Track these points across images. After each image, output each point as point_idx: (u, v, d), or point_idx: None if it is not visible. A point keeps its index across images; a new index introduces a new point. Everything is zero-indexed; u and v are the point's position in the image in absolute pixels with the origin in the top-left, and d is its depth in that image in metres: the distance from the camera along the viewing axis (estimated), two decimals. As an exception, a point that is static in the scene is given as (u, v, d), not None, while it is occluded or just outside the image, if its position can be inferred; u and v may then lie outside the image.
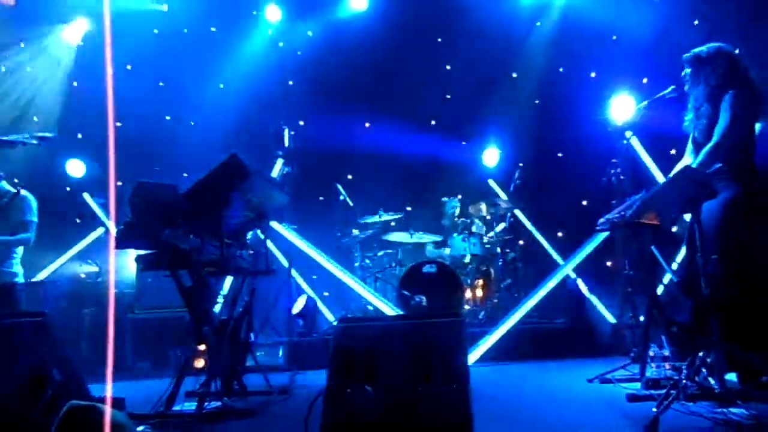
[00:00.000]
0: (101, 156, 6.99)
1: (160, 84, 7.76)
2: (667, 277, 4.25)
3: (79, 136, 7.37)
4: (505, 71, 7.58)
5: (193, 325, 3.67)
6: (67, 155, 7.13)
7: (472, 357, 5.11)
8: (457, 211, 6.94)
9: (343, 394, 2.60)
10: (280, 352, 5.66)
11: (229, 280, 4.84)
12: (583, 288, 6.14)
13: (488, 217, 6.90)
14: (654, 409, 2.60)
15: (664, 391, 2.81)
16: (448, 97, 7.95)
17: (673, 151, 4.91)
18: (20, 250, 4.49)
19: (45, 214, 4.65)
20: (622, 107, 5.41)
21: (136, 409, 3.32)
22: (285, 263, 6.17)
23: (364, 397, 2.55)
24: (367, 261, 6.82)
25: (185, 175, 6.45)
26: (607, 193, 4.62)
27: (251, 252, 4.18)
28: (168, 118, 7.86)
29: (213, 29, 7.83)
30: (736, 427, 2.55)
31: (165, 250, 3.46)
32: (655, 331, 3.81)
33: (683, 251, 3.58)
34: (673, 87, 3.68)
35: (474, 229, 6.69)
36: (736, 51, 3.48)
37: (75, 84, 7.47)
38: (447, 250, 6.70)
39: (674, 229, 3.70)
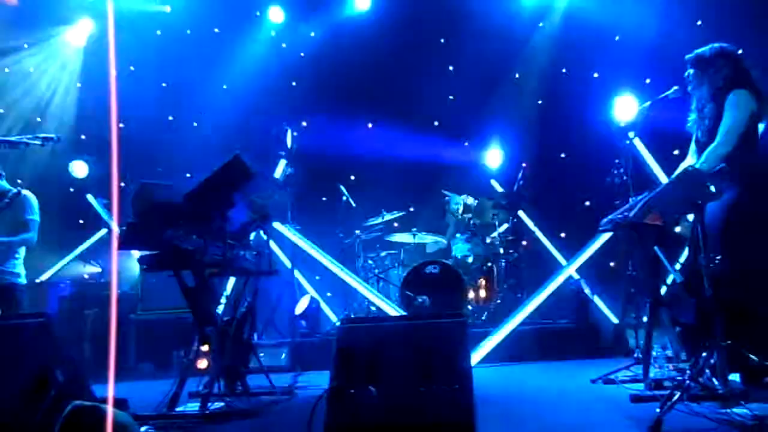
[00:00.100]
0: (104, 157, 7.04)
1: (163, 85, 7.78)
2: (670, 278, 4.24)
3: (83, 137, 7.39)
4: (508, 72, 7.58)
5: (196, 325, 3.67)
6: (71, 156, 7.15)
7: (475, 357, 5.10)
8: (461, 208, 6.93)
9: (346, 395, 2.60)
10: (283, 353, 5.67)
11: (232, 281, 4.85)
12: (586, 289, 6.13)
13: (491, 218, 6.90)
14: (657, 410, 2.60)
15: (667, 392, 2.80)
16: (451, 97, 7.94)
17: (676, 152, 4.90)
18: (22, 250, 4.49)
19: (48, 214, 4.66)
20: (625, 108, 5.41)
21: (140, 410, 3.32)
22: (288, 264, 6.18)
23: (367, 397, 2.55)
24: (370, 261, 6.82)
25: (188, 175, 6.46)
26: (610, 194, 4.61)
27: (254, 252, 4.18)
28: (171, 118, 7.87)
29: (216, 30, 7.84)
30: (739, 428, 2.54)
31: (168, 251, 3.46)
32: (659, 331, 3.81)
33: (687, 252, 3.57)
34: (676, 88, 3.67)
35: (473, 214, 6.67)
36: (739, 51, 3.47)
37: (78, 85, 7.49)
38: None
39: (678, 229, 3.68)
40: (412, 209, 7.23)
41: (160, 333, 5.85)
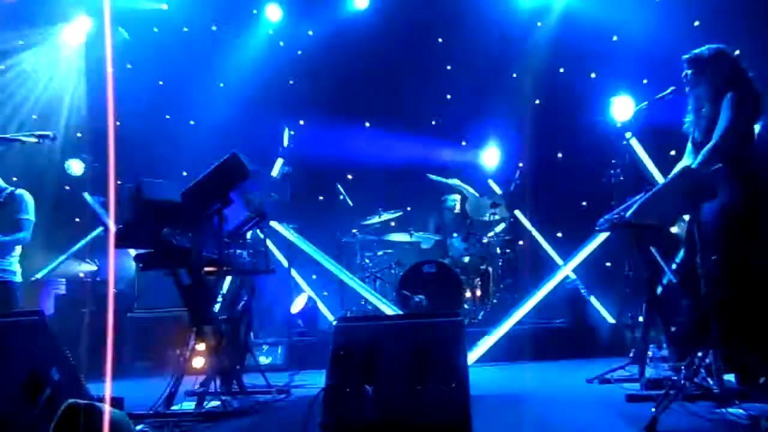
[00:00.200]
0: (100, 155, 7.02)
1: (160, 83, 7.76)
2: (666, 278, 4.25)
3: (79, 134, 7.36)
4: (505, 71, 7.58)
5: (193, 324, 3.67)
6: (67, 154, 7.12)
7: (472, 357, 5.11)
8: (458, 206, 6.94)
9: (342, 394, 2.60)
10: (280, 352, 5.66)
11: (228, 280, 4.84)
12: (583, 288, 6.14)
13: (488, 217, 6.90)
14: (653, 410, 2.60)
15: (663, 392, 2.81)
16: (449, 97, 7.94)
17: (672, 152, 4.90)
18: (18, 248, 4.47)
19: (43, 212, 4.64)
20: (622, 108, 5.42)
21: (135, 409, 3.32)
22: (285, 263, 6.17)
23: (363, 396, 2.55)
24: (367, 261, 6.81)
25: (185, 173, 6.46)
26: (606, 194, 4.62)
27: (251, 251, 4.18)
28: (168, 117, 7.85)
29: (213, 28, 7.82)
30: (734, 428, 2.55)
31: (164, 249, 3.46)
32: (655, 331, 3.82)
33: (682, 252, 3.57)
34: (673, 88, 3.68)
35: (469, 205, 6.68)
36: (737, 52, 3.48)
37: (76, 82, 7.46)
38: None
39: (674, 229, 3.69)
40: (409, 208, 7.22)
41: (156, 331, 5.83)
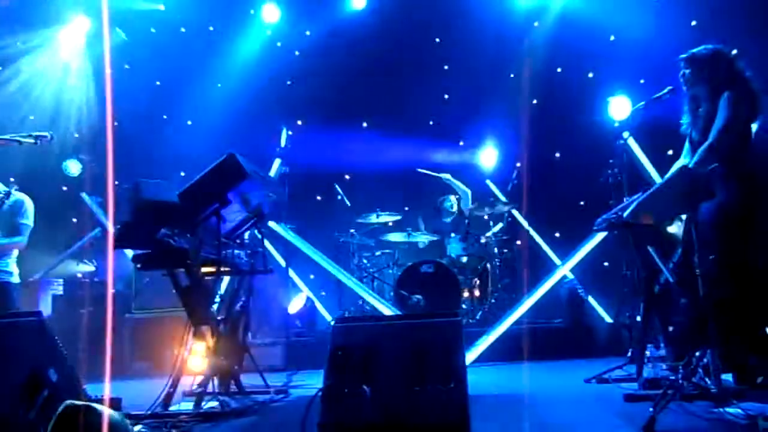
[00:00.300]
0: (98, 155, 7.01)
1: (157, 83, 7.75)
2: (663, 278, 4.26)
3: (76, 135, 7.35)
4: (503, 71, 7.58)
5: (191, 324, 3.66)
6: (64, 154, 7.11)
7: (470, 357, 5.11)
8: (455, 207, 6.95)
9: (340, 394, 2.60)
10: (278, 352, 5.66)
11: (226, 280, 4.84)
12: (580, 288, 6.15)
13: (486, 217, 6.91)
14: (651, 409, 2.61)
15: (660, 391, 2.81)
16: (446, 96, 7.95)
17: (670, 152, 4.92)
18: (15, 251, 4.48)
19: (41, 213, 4.64)
20: (620, 108, 5.43)
21: (133, 409, 3.32)
22: (282, 263, 6.17)
23: (361, 396, 2.55)
24: (365, 261, 6.82)
25: (182, 174, 6.45)
26: (604, 194, 4.62)
27: (249, 251, 4.17)
28: (165, 117, 7.84)
29: (210, 28, 7.81)
30: (732, 427, 2.56)
31: (162, 250, 3.45)
32: (652, 331, 3.82)
33: (680, 251, 3.58)
34: (670, 88, 3.68)
35: (463, 204, 6.69)
36: (734, 52, 3.49)
37: (73, 83, 7.44)
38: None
39: (671, 229, 3.70)
40: (406, 208, 7.22)
41: (154, 332, 5.83)
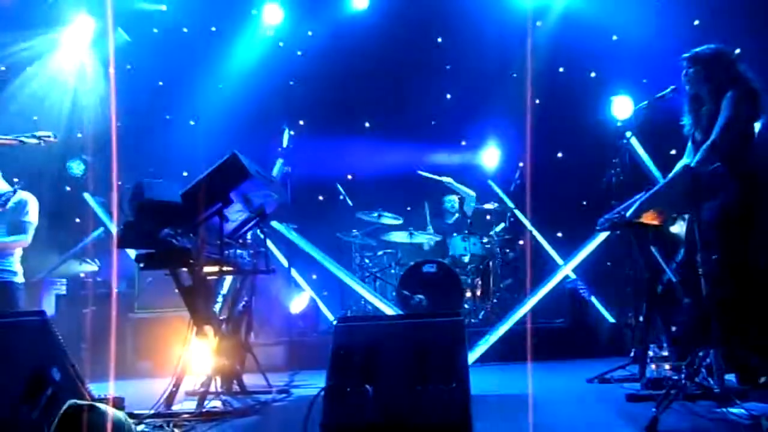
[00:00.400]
0: (100, 155, 7.01)
1: (160, 83, 7.76)
2: (666, 277, 4.26)
3: (79, 135, 7.36)
4: (505, 71, 7.58)
5: (193, 324, 3.67)
6: (68, 154, 7.12)
7: (472, 357, 5.11)
8: (456, 206, 6.94)
9: (342, 394, 2.60)
10: (280, 352, 5.67)
11: (229, 280, 4.85)
12: (583, 288, 6.14)
13: (488, 217, 6.91)
14: (653, 409, 2.60)
15: (663, 391, 2.81)
16: (449, 96, 7.94)
17: (673, 151, 4.90)
18: (19, 250, 4.49)
19: (45, 213, 4.66)
20: (622, 107, 5.42)
21: (136, 409, 3.32)
22: (285, 263, 6.17)
23: (363, 396, 2.55)
24: (367, 261, 6.82)
25: (185, 174, 6.46)
26: (606, 193, 4.62)
27: (251, 251, 4.18)
28: (168, 117, 7.85)
29: (213, 29, 7.82)
30: (735, 427, 2.55)
31: (164, 250, 3.46)
32: (655, 331, 3.82)
33: (682, 251, 3.58)
34: (672, 87, 3.68)
35: (467, 206, 6.68)
36: (737, 51, 3.48)
37: (77, 83, 7.46)
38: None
39: (673, 229, 3.69)
40: (409, 208, 7.22)
41: (157, 332, 5.83)
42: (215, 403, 3.54)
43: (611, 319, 5.96)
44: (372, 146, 7.50)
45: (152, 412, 3.32)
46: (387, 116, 7.73)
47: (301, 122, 7.73)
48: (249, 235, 4.33)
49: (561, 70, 7.49)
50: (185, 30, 7.65)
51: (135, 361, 5.95)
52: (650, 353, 3.65)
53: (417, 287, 5.91)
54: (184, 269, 3.64)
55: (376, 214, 6.67)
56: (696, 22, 6.49)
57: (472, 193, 6.85)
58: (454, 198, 6.97)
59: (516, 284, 6.63)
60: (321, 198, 7.85)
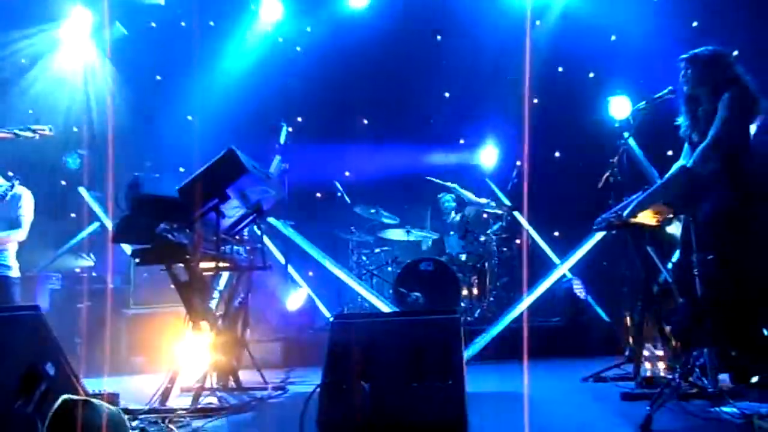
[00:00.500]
0: (97, 150, 6.98)
1: (158, 78, 7.73)
2: (662, 277, 4.27)
3: (75, 129, 7.33)
4: (503, 70, 7.57)
5: (189, 320, 3.66)
6: (64, 148, 7.09)
7: (468, 355, 5.12)
8: (454, 205, 6.95)
9: (338, 391, 2.60)
10: (276, 348, 5.66)
11: (225, 276, 4.85)
12: (579, 287, 6.15)
13: (485, 215, 6.91)
14: (648, 408, 2.61)
15: (657, 390, 2.82)
16: (447, 95, 7.94)
17: (670, 152, 4.91)
18: (14, 244, 4.48)
19: (40, 207, 4.64)
20: (620, 107, 5.43)
21: (131, 404, 3.32)
22: (281, 259, 6.17)
23: (359, 393, 2.55)
24: (364, 258, 6.82)
25: (181, 169, 6.44)
26: (604, 193, 4.62)
27: (248, 248, 4.17)
28: (165, 112, 7.83)
29: (211, 23, 7.79)
30: (728, 427, 2.57)
31: (160, 245, 3.45)
32: (650, 330, 3.83)
33: (678, 252, 3.59)
34: (670, 88, 3.69)
35: (467, 211, 6.69)
36: (735, 53, 3.49)
37: (74, 77, 7.42)
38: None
39: (670, 229, 3.70)
40: (406, 206, 7.22)
41: (152, 327, 5.82)
42: (211, 400, 3.53)
43: (607, 319, 5.97)
44: (370, 144, 7.49)
45: (147, 407, 3.32)
46: (385, 114, 7.72)
47: (299, 119, 7.71)
48: (246, 232, 4.32)
49: (560, 69, 7.50)
50: (183, 24, 7.62)
51: (130, 356, 5.94)
52: (645, 352, 3.66)
53: (414, 285, 5.91)
54: (180, 265, 3.63)
55: (373, 210, 6.67)
56: (695, 24, 6.50)
57: (481, 200, 6.80)
58: (451, 196, 6.97)
59: (512, 283, 6.64)
60: (318, 195, 7.84)
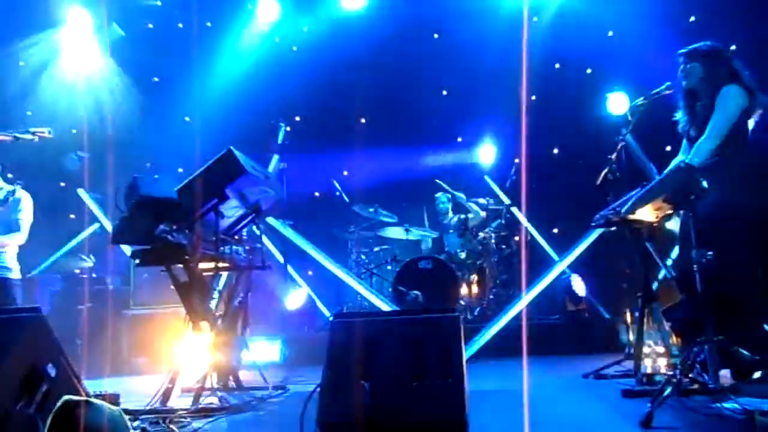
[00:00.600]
0: (96, 151, 6.97)
1: (155, 79, 7.72)
2: (661, 274, 4.27)
3: (74, 131, 7.33)
4: (501, 67, 7.57)
5: (189, 320, 3.66)
6: (63, 150, 7.08)
7: (468, 353, 5.12)
8: (450, 205, 6.95)
9: (339, 390, 2.60)
10: (277, 348, 5.67)
11: (224, 276, 4.85)
12: (579, 284, 6.15)
13: (484, 214, 6.92)
14: (649, 405, 2.61)
15: (658, 387, 2.82)
16: (444, 92, 7.94)
17: (668, 148, 4.92)
18: (15, 246, 4.48)
19: (40, 209, 4.64)
20: (618, 104, 5.43)
21: (132, 405, 3.32)
22: (280, 259, 6.17)
23: (359, 392, 2.55)
24: (363, 257, 6.82)
25: (180, 170, 6.44)
26: (602, 190, 4.62)
27: (247, 247, 4.17)
28: (163, 113, 7.82)
29: (208, 24, 7.78)
30: (729, 423, 2.57)
31: (160, 246, 3.45)
32: (650, 327, 3.83)
33: (678, 248, 3.59)
34: (668, 84, 3.69)
35: (470, 216, 6.68)
36: (732, 48, 3.50)
37: (72, 79, 7.41)
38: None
39: (669, 225, 3.70)
40: (404, 204, 7.22)
41: (152, 328, 5.82)
42: (211, 400, 3.53)
43: (607, 315, 5.97)
44: (368, 142, 7.48)
45: (148, 408, 3.32)
46: (383, 112, 7.72)
47: (297, 118, 7.71)
48: (245, 232, 4.32)
49: (557, 66, 7.49)
50: (180, 25, 7.61)
51: (130, 357, 5.94)
52: (645, 349, 3.66)
53: (413, 283, 5.91)
54: (180, 265, 3.63)
55: (372, 209, 6.67)
56: (692, 19, 6.50)
57: (483, 213, 6.81)
58: (446, 197, 6.97)
59: (512, 280, 6.64)
60: (317, 194, 7.84)
